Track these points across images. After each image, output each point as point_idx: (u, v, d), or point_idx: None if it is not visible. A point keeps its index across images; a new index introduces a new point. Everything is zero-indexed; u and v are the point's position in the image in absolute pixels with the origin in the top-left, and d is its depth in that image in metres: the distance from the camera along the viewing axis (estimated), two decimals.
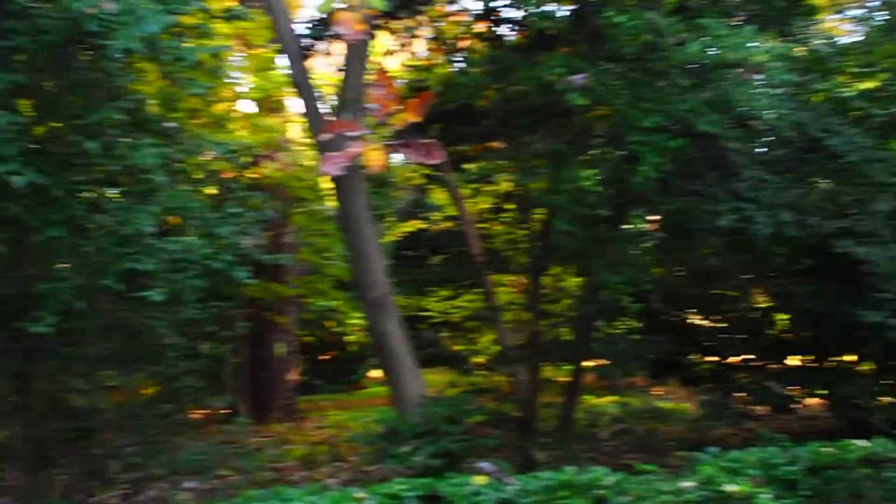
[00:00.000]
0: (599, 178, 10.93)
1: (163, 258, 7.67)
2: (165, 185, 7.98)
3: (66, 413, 8.81)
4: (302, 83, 10.12)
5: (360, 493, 7.10)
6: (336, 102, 9.85)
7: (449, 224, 14.24)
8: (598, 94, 9.10)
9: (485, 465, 7.55)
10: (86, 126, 7.35)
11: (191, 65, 7.96)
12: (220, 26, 10.94)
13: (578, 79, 8.79)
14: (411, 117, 6.21)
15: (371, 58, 10.58)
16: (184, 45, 7.70)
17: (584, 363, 11.90)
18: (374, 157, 6.21)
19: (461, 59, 10.80)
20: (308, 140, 15.30)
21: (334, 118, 9.35)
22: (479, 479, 7.25)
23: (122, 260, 7.47)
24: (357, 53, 9.97)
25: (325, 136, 7.91)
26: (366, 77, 9.48)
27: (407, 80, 11.61)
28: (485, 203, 13.37)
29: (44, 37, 6.88)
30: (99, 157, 7.41)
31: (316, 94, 10.13)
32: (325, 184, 17.06)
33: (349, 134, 6.45)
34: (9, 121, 6.48)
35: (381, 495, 7.04)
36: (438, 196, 15.26)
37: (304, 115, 10.35)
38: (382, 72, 7.17)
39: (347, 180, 9.83)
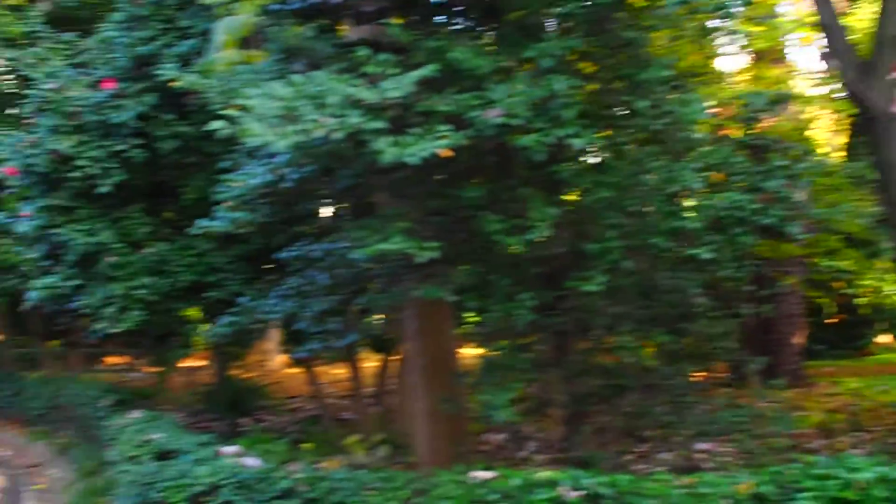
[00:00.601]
0: None
1: (709, 215, 7.51)
2: (704, 141, 7.82)
3: (600, 370, 9.01)
4: (831, 24, 9.43)
5: None
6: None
7: None
8: None
9: None
10: (634, 86, 7.35)
11: (727, 14, 7.72)
12: None
13: None
14: None
15: None
16: None
17: None
18: None
19: None
20: (820, 88, 14.40)
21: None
22: None
23: (670, 218, 7.44)
24: None
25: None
26: None
27: None
28: None
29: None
30: (646, 116, 7.39)
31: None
32: (823, 135, 16.03)
33: None
34: (569, 84, 6.65)
35: None
36: None
37: (833, 57, 9.63)
38: None
39: (884, 127, 9.00)
